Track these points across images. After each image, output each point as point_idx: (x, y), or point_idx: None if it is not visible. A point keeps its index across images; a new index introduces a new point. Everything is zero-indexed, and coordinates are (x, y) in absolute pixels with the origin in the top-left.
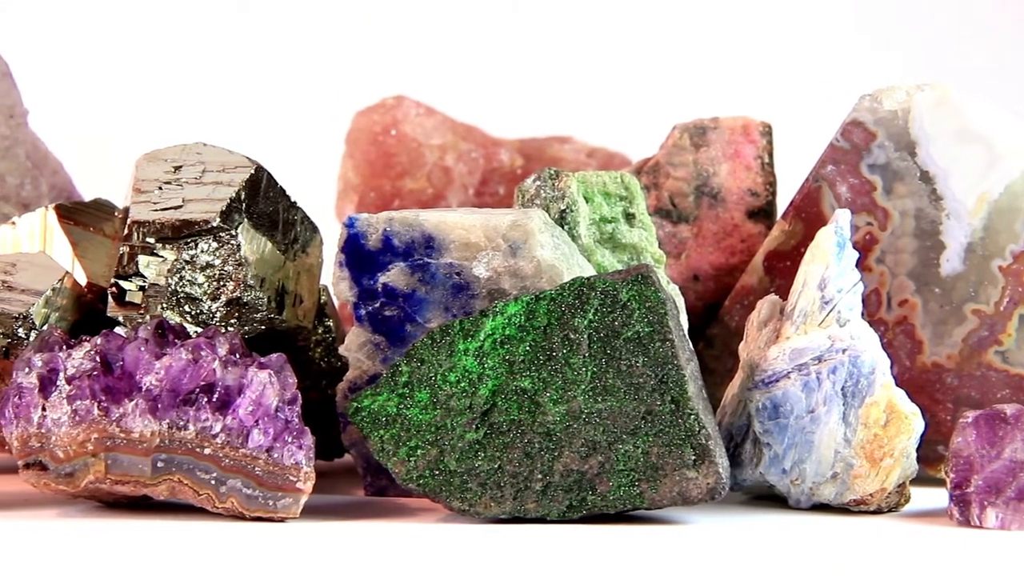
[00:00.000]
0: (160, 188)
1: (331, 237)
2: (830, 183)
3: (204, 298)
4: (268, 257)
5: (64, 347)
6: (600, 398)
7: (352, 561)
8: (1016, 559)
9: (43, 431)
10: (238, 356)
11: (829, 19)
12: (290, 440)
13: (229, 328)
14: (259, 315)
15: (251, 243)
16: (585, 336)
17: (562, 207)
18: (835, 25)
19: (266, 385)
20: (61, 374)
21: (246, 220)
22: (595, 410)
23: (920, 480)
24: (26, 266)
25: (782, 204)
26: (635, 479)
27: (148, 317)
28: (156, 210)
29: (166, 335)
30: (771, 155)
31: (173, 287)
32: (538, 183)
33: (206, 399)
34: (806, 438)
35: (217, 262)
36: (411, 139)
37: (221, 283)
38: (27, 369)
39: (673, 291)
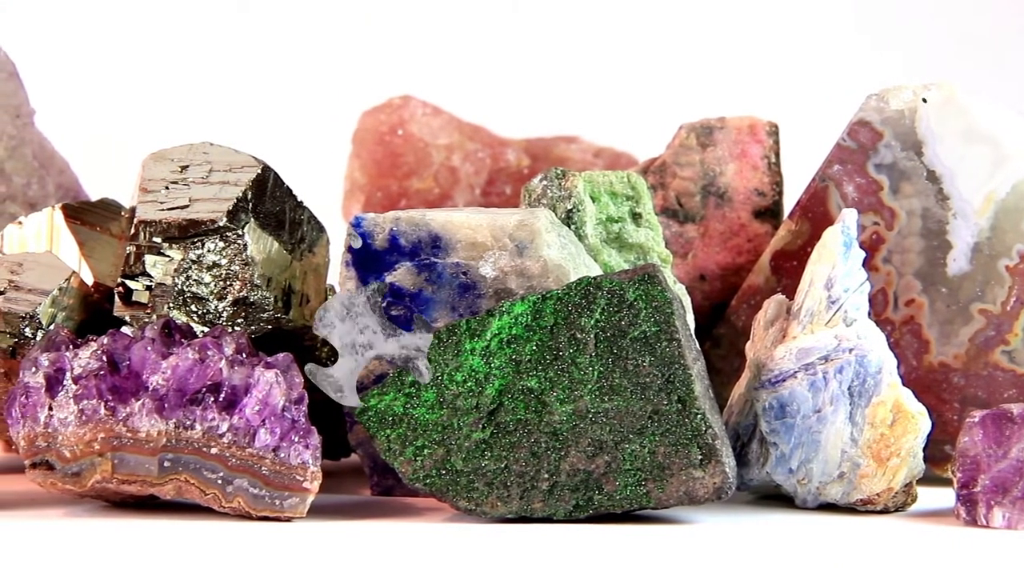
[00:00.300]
0: (167, 188)
1: (338, 237)
2: (837, 183)
3: (211, 298)
4: (275, 257)
5: (71, 347)
6: (607, 398)
7: (359, 561)
8: (1022, 559)
9: (50, 431)
10: (245, 356)
11: (833, 19)
12: (296, 440)
13: (236, 328)
14: (266, 315)
15: (258, 243)
16: (592, 336)
17: (568, 207)
18: (839, 25)
19: (273, 385)
20: (68, 374)
21: (253, 220)
22: (602, 410)
23: (927, 480)
24: (33, 266)
25: (789, 204)
26: (642, 479)
27: (155, 317)
28: (163, 210)
29: (173, 335)
30: (778, 155)
31: (180, 287)
32: (545, 183)
33: (213, 399)
34: (813, 438)
35: (224, 262)
36: (418, 139)
37: (228, 283)
38: (34, 368)
39: (680, 291)
